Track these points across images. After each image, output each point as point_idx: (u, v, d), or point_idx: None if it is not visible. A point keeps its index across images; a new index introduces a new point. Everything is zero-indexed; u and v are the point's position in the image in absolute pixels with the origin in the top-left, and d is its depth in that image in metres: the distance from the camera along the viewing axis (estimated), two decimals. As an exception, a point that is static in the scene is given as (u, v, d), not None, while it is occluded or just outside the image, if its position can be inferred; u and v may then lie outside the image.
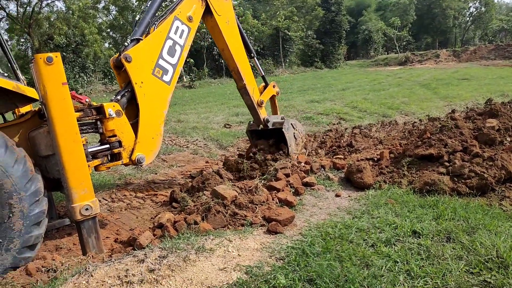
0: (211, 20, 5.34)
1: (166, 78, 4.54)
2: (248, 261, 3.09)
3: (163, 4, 5.61)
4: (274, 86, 6.67)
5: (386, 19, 58.53)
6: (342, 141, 8.58)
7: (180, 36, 4.71)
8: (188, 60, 29.73)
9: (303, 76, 34.80)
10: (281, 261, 3.12)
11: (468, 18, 68.54)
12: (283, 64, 40.13)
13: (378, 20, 57.68)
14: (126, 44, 4.36)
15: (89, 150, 3.84)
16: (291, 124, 6.41)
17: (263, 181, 5.07)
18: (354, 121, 11.24)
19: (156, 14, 4.68)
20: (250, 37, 36.34)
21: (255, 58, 6.35)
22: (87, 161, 3.58)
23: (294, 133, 6.38)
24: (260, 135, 6.71)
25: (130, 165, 4.37)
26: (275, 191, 4.68)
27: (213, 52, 33.33)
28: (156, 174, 7.23)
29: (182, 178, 6.92)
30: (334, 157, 7.03)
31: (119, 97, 4.23)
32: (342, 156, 6.80)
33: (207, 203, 3.96)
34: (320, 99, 15.50)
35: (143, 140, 4.30)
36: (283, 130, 6.05)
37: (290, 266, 3.00)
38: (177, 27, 4.67)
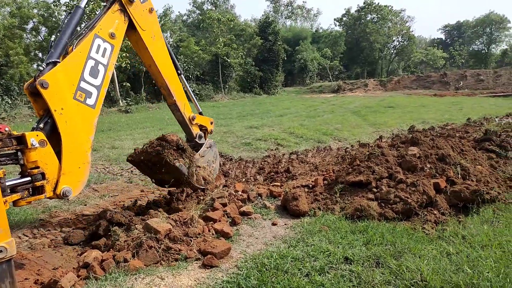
0: (135, 35, 5.06)
1: (90, 101, 4.22)
2: (181, 300, 2.95)
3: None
4: (211, 123, 6.61)
5: (320, 49, 62.02)
6: (280, 167, 8.76)
7: (103, 55, 4.40)
8: (124, 84, 28.84)
9: (243, 101, 35.35)
10: (216, 297, 3.03)
11: (392, 51, 74.93)
12: (223, 90, 40.52)
13: (313, 50, 60.91)
14: (41, 68, 3.92)
15: (7, 183, 3.48)
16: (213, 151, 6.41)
17: (200, 211, 4.95)
18: (291, 147, 11.55)
19: (74, 34, 4.33)
20: (191, 63, 36.42)
21: (182, 76, 6.06)
22: (4, 196, 3.24)
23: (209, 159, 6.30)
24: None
25: (55, 198, 4.03)
26: (212, 222, 4.59)
27: (151, 77, 32.78)
28: (85, 205, 6.76)
29: (114, 208, 6.54)
30: (271, 183, 7.13)
31: (41, 125, 3.90)
32: (279, 183, 6.91)
33: (139, 238, 3.76)
34: (258, 125, 15.77)
35: (69, 170, 3.99)
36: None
37: (225, 302, 2.92)
38: (99, 46, 4.37)
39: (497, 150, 6.99)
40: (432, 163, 5.77)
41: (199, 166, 5.91)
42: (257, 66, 46.38)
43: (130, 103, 28.06)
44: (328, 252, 3.86)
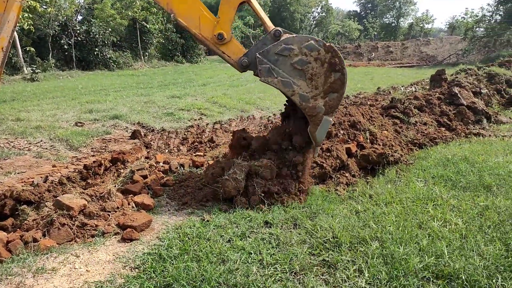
0: None
1: None
2: (99, 276, 2.86)
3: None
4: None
5: (243, 18, 61.45)
6: (204, 137, 8.71)
7: None
8: (28, 49, 25.82)
9: (164, 70, 33.97)
10: (136, 270, 2.99)
11: (312, 22, 77.00)
12: (143, 58, 38.40)
13: (236, 18, 60.10)
14: None
15: None
16: (283, 47, 3.69)
17: (118, 185, 4.76)
18: (215, 117, 11.50)
19: None
20: (107, 28, 33.68)
21: None
22: None
23: (292, 59, 3.70)
24: None
25: None
26: (131, 195, 4.45)
27: (61, 41, 29.76)
28: (-14, 184, 6.10)
29: (23, 186, 6.00)
30: (195, 153, 7.07)
31: None
32: (202, 153, 6.88)
33: (49, 216, 3.51)
34: (181, 95, 15.36)
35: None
36: (260, 71, 3.75)
37: (146, 274, 2.90)
38: None
39: (401, 117, 7.69)
40: (345, 129, 6.18)
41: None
42: (178, 33, 44.55)
43: (36, 71, 25.29)
44: (249, 218, 4.00)
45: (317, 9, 73.89)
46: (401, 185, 4.98)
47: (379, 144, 6.03)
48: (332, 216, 4.04)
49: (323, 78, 3.68)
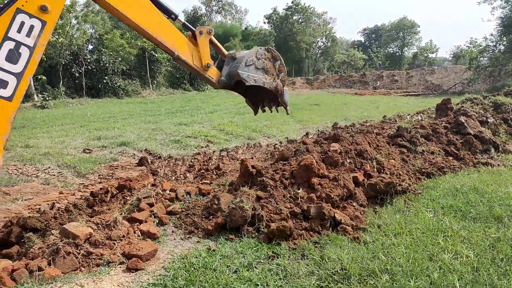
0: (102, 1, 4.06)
1: (5, 92, 3.49)
2: (103, 307, 2.82)
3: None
4: (201, 33, 4.94)
5: (249, 47, 62.79)
6: (210, 164, 8.73)
7: (28, 35, 3.57)
8: (39, 77, 26.44)
9: (171, 98, 34.49)
10: (141, 301, 2.94)
11: (317, 51, 78.44)
12: (151, 86, 39.15)
13: (242, 48, 61.46)
14: None
15: None
16: (246, 60, 5.06)
17: (125, 213, 4.75)
18: (222, 144, 11.56)
19: None
20: (117, 57, 34.58)
21: (179, 18, 4.91)
22: None
23: (255, 64, 5.11)
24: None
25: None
26: (137, 223, 4.43)
27: (72, 70, 30.51)
28: (-6, 210, 6.12)
29: (29, 213, 6.00)
30: (201, 181, 7.07)
31: None
32: (209, 181, 6.88)
33: (55, 244, 3.49)
34: (188, 122, 15.53)
35: (-29, 175, 3.56)
36: (244, 78, 4.96)
37: (151, 305, 2.84)
38: (22, 23, 3.55)
39: (408, 145, 7.67)
40: (351, 158, 6.17)
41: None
42: (186, 61, 45.48)
43: (47, 98, 25.82)
44: (256, 248, 3.94)
45: (322, 38, 75.41)
46: (410, 216, 4.90)
47: (386, 173, 6.00)
48: (340, 247, 3.97)
49: (273, 67, 5.36)
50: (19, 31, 3.51)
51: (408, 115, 14.95)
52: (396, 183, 5.58)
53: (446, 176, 6.73)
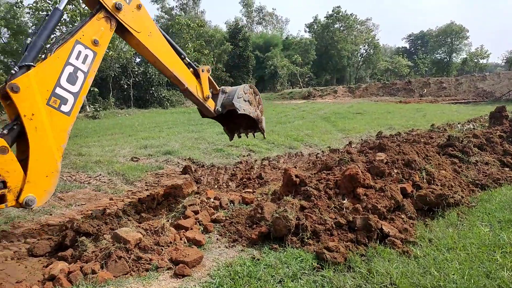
0: (133, 38, 4.84)
1: (65, 108, 4.06)
2: (153, 311, 2.89)
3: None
4: (203, 70, 6.07)
5: (290, 56, 62.91)
6: (252, 173, 8.77)
7: (84, 62, 4.25)
8: (92, 89, 28.04)
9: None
10: (188, 307, 2.98)
11: (359, 59, 77.10)
12: (194, 95, 40.22)
13: (281, 57, 61.70)
14: (13, 71, 3.78)
15: (-35, 192, 3.31)
16: (237, 94, 6.19)
17: (171, 219, 4.87)
18: (263, 153, 11.59)
19: (51, 38, 4.22)
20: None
21: (186, 59, 5.83)
22: (-40, 206, 3.07)
23: (243, 97, 6.29)
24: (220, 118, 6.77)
25: (18, 208, 3.85)
26: (183, 230, 4.52)
27: (120, 82, 32.08)
28: (51, 215, 6.49)
29: (81, 218, 6.32)
30: (244, 190, 7.12)
31: (6, 131, 3.73)
32: (251, 190, 6.91)
33: (107, 248, 3.64)
34: (230, 131, 15.72)
35: (35, 179, 3.81)
36: (237, 108, 6.07)
37: (198, 312, 2.88)
38: (80, 52, 4.21)
39: (460, 156, 7.30)
40: (399, 168, 5.96)
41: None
42: (227, 72, 46.42)
43: (98, 109, 27.30)
44: (300, 258, 3.89)
45: (364, 46, 74.07)
46: (463, 230, 4.64)
47: (437, 185, 5.73)
48: (388, 261, 3.83)
49: (254, 100, 6.62)
50: (77, 58, 4.17)
51: (458, 123, 14.27)
52: (448, 195, 5.31)
53: (502, 188, 6.32)
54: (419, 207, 5.30)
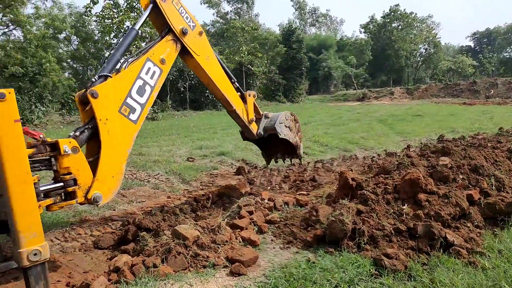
0: (192, 60, 5.39)
1: (133, 116, 4.47)
2: (210, 307, 2.96)
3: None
4: (249, 95, 6.63)
5: (344, 57, 61.63)
6: (305, 175, 8.69)
7: (152, 77, 4.70)
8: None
9: (266, 110, 35.38)
10: (244, 306, 3.02)
11: (418, 59, 73.59)
12: (247, 98, 40.79)
13: (335, 58, 60.58)
14: (93, 80, 4.25)
15: (41, 188, 3.60)
16: (279, 119, 6.67)
17: (226, 219, 4.97)
18: (316, 155, 11.45)
19: (126, 53, 4.70)
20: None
21: (236, 83, 6.36)
22: (39, 200, 3.35)
23: (284, 123, 6.77)
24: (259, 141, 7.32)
25: (86, 204, 4.14)
26: (239, 230, 4.59)
27: (177, 85, 33.38)
28: (114, 210, 6.90)
29: (142, 214, 6.65)
30: (297, 192, 7.07)
31: (77, 133, 4.06)
32: (305, 192, 6.85)
33: (168, 244, 3.80)
34: (284, 133, 15.70)
35: (103, 178, 4.10)
36: (279, 132, 6.56)
37: (254, 311, 2.90)
38: (149, 68, 4.68)
39: (534, 161, 6.69)
40: (464, 174, 5.59)
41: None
42: (281, 74, 46.50)
43: (156, 111, 28.62)
44: (357, 264, 3.78)
45: (424, 45, 70.57)
46: (539, 242, 4.24)
47: (507, 192, 5.29)
48: (453, 271, 3.60)
49: (294, 127, 7.16)
50: (146, 73, 4.63)
51: (531, 127, 13.10)
52: (521, 203, 4.88)
53: None
54: (487, 216, 4.93)
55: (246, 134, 6.95)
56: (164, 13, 4.91)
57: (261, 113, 6.86)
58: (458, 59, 65.07)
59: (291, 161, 7.68)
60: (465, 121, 19.16)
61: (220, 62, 5.88)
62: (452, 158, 5.77)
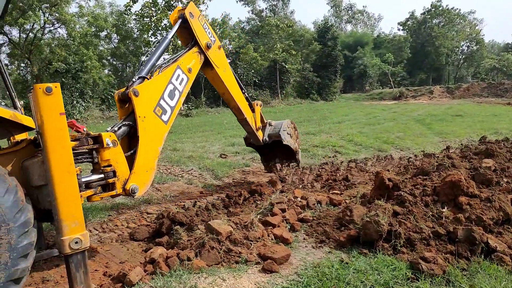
0: (212, 72, 5.93)
1: (165, 117, 4.79)
2: (242, 302, 2.98)
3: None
4: (257, 105, 7.33)
5: (381, 55, 60.04)
6: (338, 175, 8.54)
7: (180, 83, 5.11)
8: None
9: (299, 107, 35.17)
10: (276, 303, 3.01)
11: (460, 56, 70.53)
12: (280, 95, 40.68)
13: (372, 55, 59.12)
14: (133, 80, 4.67)
15: (83, 180, 3.76)
16: (283, 127, 7.46)
17: (258, 216, 4.98)
18: (350, 155, 11.25)
19: (161, 58, 5.13)
20: (249, 69, 37.03)
21: (245, 94, 6.87)
22: (80, 191, 3.50)
23: (286, 130, 7.52)
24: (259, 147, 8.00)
25: (123, 195, 4.29)
26: (271, 227, 4.58)
27: (208, 83, 33.86)
28: (149, 203, 7.10)
29: (176, 208, 6.79)
30: (330, 191, 6.98)
31: (116, 128, 4.24)
32: (339, 191, 6.74)
33: (201, 238, 3.86)
34: (315, 132, 15.57)
35: (138, 171, 4.27)
36: (283, 139, 7.34)
37: (286, 309, 2.89)
38: (178, 75, 5.09)
39: None
40: (509, 177, 5.32)
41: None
42: (315, 71, 46.01)
43: (190, 107, 29.14)
44: (393, 266, 3.68)
45: (466, 42, 67.49)
46: None
47: (557, 198, 4.97)
48: (495, 278, 3.43)
49: (294, 134, 7.81)
50: (176, 79, 5.05)
51: None
52: None
53: None
54: (534, 222, 4.65)
55: (250, 140, 7.67)
56: (192, 28, 5.46)
57: (265, 121, 7.53)
58: (503, 57, 61.70)
59: (289, 166, 8.41)
60: (509, 122, 18.18)
61: (234, 75, 6.47)
62: (496, 160, 5.49)
